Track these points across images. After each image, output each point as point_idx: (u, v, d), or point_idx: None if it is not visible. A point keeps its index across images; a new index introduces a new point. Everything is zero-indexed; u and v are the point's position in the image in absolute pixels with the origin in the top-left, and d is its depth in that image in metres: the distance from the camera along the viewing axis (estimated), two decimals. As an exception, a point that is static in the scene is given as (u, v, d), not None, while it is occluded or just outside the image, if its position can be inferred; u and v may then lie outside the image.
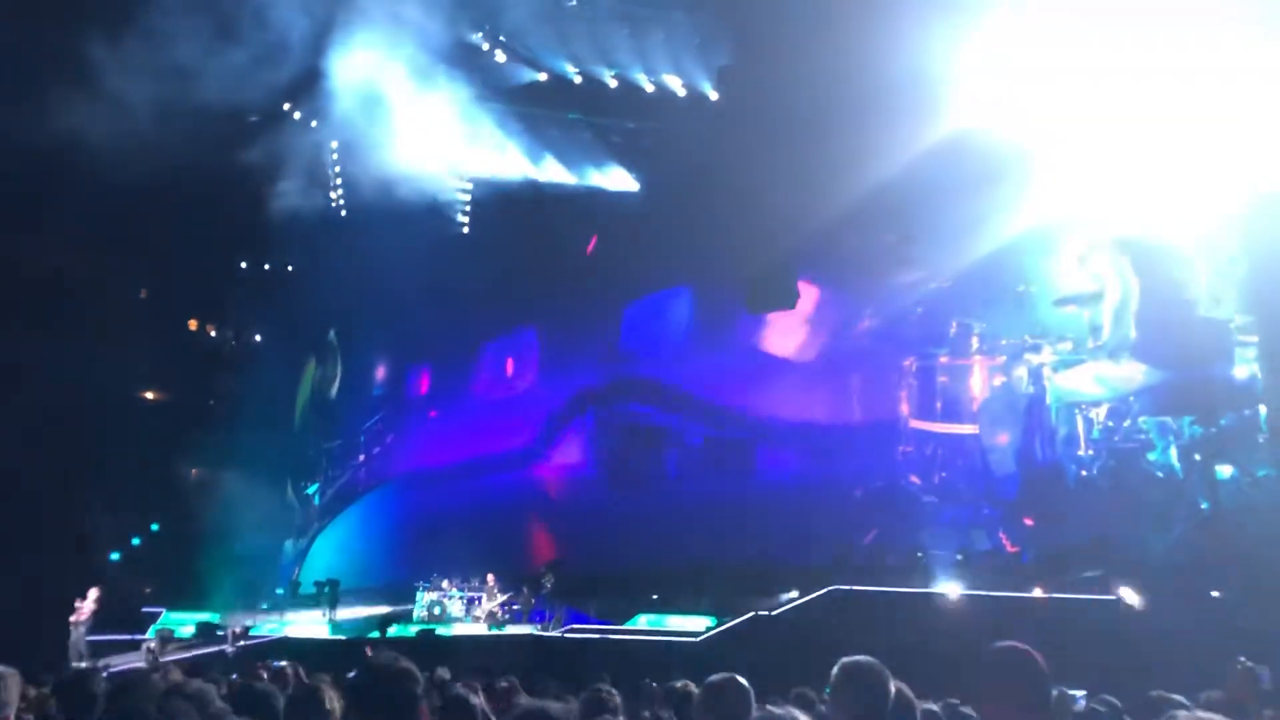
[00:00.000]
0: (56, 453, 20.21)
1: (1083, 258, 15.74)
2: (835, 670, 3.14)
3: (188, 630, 18.54)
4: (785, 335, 21.37)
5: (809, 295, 20.68)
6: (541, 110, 21.38)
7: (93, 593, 16.78)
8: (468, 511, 22.72)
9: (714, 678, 3.69)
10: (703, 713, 3.64)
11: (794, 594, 15.78)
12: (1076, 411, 16.50)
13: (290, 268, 24.39)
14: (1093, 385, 15.92)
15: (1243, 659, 6.35)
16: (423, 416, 26.60)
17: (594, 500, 21.70)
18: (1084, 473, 16.31)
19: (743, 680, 3.64)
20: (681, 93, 20.39)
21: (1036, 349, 17.34)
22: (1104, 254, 15.50)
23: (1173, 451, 15.39)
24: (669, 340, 23.22)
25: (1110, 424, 16.16)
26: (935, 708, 4.69)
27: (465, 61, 19.66)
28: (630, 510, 20.71)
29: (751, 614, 15.50)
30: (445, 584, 19.93)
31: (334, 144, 22.48)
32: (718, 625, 15.90)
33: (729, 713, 3.50)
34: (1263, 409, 14.55)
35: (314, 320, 26.21)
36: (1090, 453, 16.34)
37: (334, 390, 26.28)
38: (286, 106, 21.00)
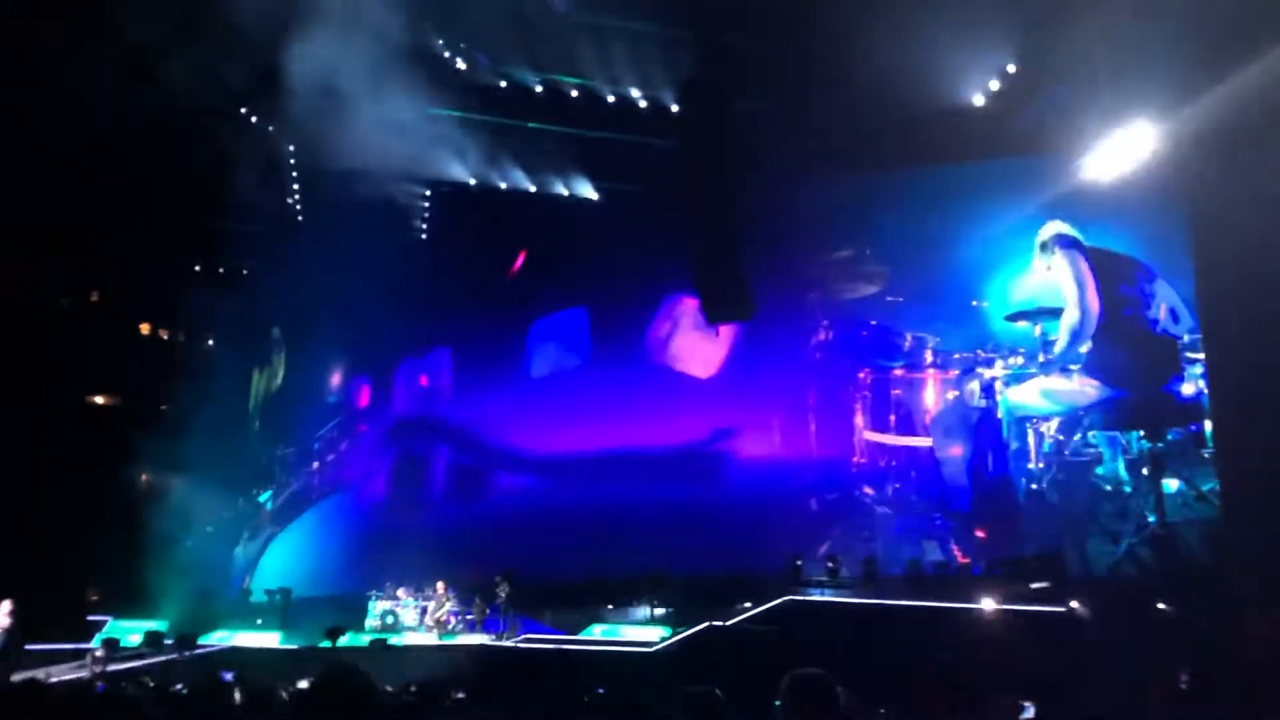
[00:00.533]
0: (3, 458, 19.87)
1: (1045, 244, 15.86)
2: (784, 682, 3.17)
3: (135, 639, 18.23)
4: (695, 353, 21.88)
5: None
6: (501, 118, 21.29)
7: (5, 605, 16.21)
8: (419, 520, 22.61)
9: (686, 689, 3.72)
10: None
11: (748, 605, 15.83)
12: (1028, 425, 16.73)
13: (245, 271, 24.13)
14: (1044, 400, 16.14)
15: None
16: (363, 428, 26.40)
17: (548, 510, 21.63)
18: (1034, 485, 16.53)
19: (716, 691, 3.67)
20: (643, 104, 20.43)
21: (989, 363, 17.57)
22: (1062, 256, 15.64)
23: (1121, 465, 15.64)
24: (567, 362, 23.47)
25: (1061, 438, 16.41)
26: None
27: (425, 67, 19.55)
28: (582, 519, 20.68)
29: (706, 624, 15.53)
30: (400, 592, 19.80)
31: (291, 147, 22.27)
32: (672, 635, 15.92)
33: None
34: (1208, 425, 14.84)
35: (268, 325, 26.00)
36: (1040, 466, 16.58)
37: (277, 384, 25.98)
38: (243, 110, 20.79)
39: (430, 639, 18.60)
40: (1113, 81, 15.09)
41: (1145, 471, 15.04)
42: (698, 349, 22.31)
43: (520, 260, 24.64)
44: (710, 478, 19.82)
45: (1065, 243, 15.65)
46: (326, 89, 19.85)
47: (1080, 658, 11.99)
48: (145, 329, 26.32)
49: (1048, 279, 15.99)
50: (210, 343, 26.24)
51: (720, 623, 15.49)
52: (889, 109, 17.46)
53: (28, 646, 17.29)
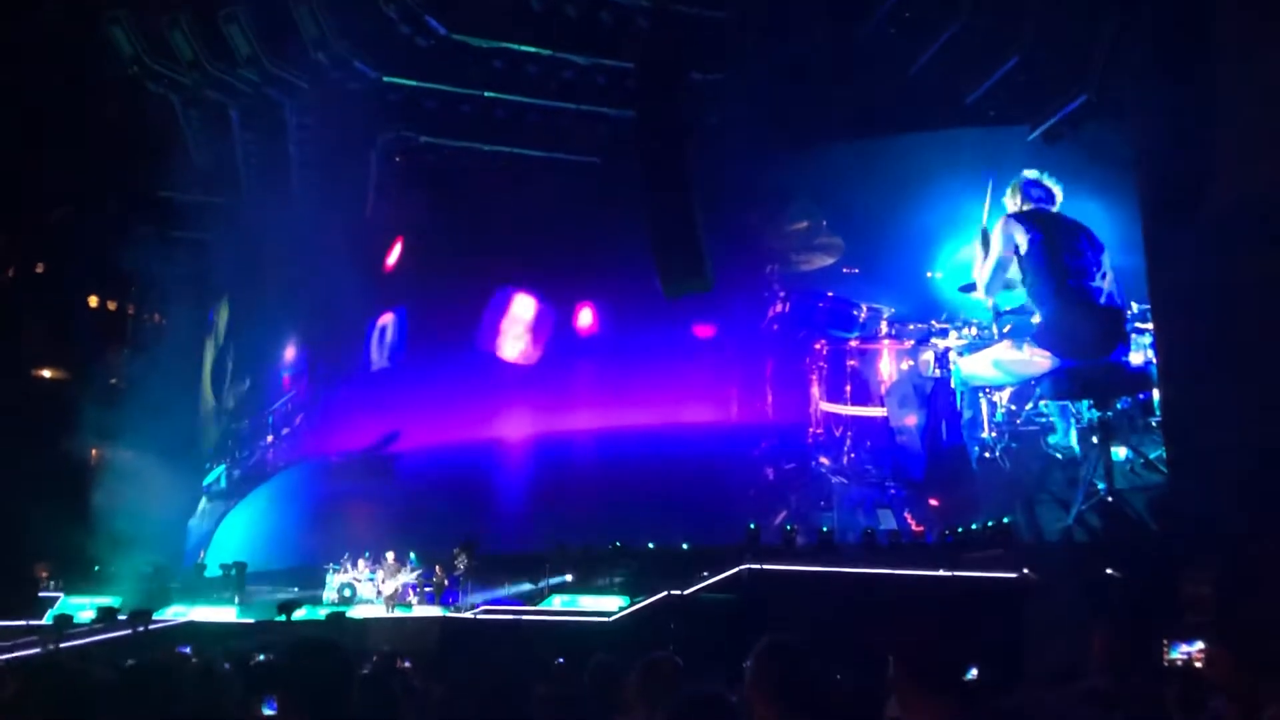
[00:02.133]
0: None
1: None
2: (756, 647, 3.21)
3: (87, 615, 18.03)
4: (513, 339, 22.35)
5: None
6: (455, 87, 21.04)
7: None
8: (375, 492, 22.50)
9: (650, 655, 3.77)
10: (636, 689, 3.71)
11: (705, 574, 15.97)
12: (981, 395, 16.97)
13: (195, 241, 23.75)
14: (996, 370, 16.37)
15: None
16: (324, 397, 26.11)
17: (508, 481, 21.63)
18: (987, 454, 16.80)
19: (677, 659, 3.73)
20: (599, 75, 20.33)
21: (943, 334, 17.78)
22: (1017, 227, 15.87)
23: (1072, 434, 15.93)
24: None
25: (1013, 407, 16.67)
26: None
27: (378, 32, 19.32)
28: (543, 491, 20.72)
29: (664, 593, 15.65)
30: (360, 564, 19.74)
31: (236, 114, 21.90)
32: (630, 605, 16.02)
33: (661, 689, 3.57)
34: (1156, 393, 15.15)
35: (218, 296, 25.67)
36: (993, 435, 16.84)
37: (225, 356, 25.67)
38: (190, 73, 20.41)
39: (385, 611, 18.57)
40: (1061, 52, 15.25)
41: (1095, 440, 15.33)
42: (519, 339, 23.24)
43: (396, 251, 24.58)
44: (667, 449, 19.87)
45: (1029, 195, 15.96)
46: (275, 55, 19.62)
47: (1030, 622, 12.24)
48: (93, 301, 25.88)
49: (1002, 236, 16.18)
50: (159, 315, 25.86)
51: (678, 592, 15.61)
52: (844, 80, 17.53)
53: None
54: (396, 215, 23.27)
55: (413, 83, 20.72)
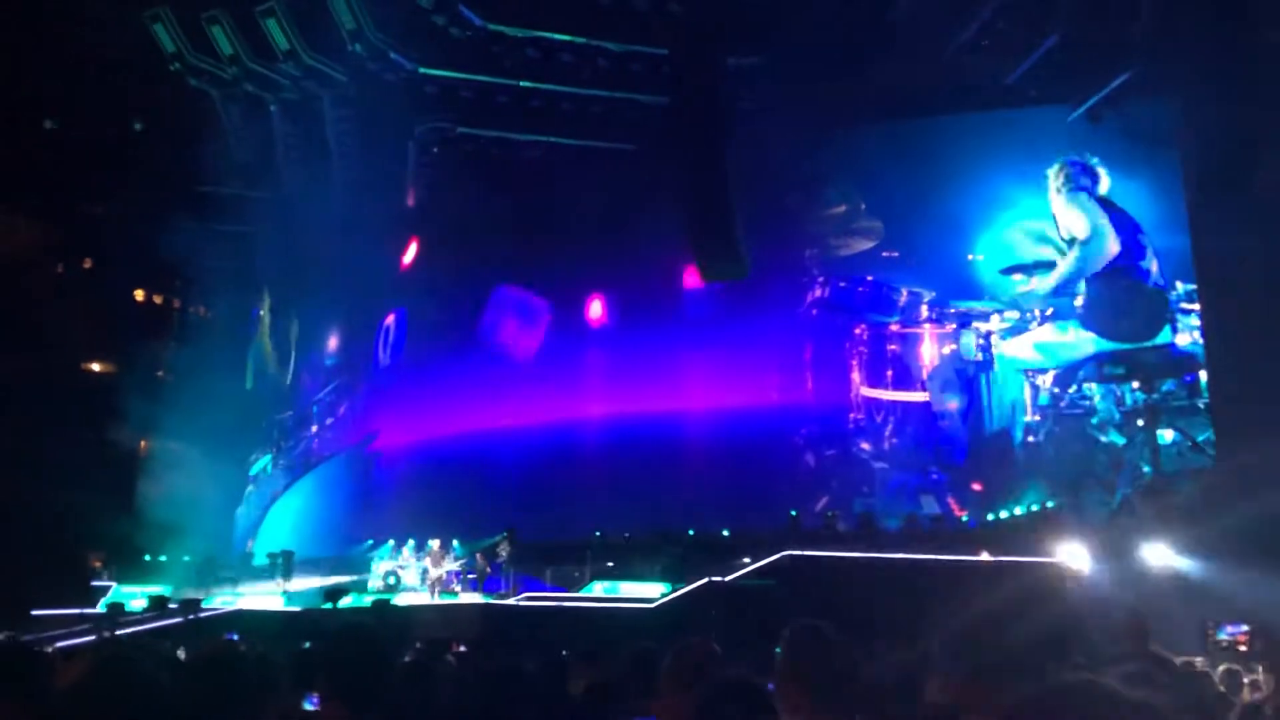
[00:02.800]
0: (2, 428, 19.93)
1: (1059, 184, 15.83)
2: (785, 632, 3.21)
3: (139, 603, 18.37)
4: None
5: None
6: (491, 77, 21.09)
7: None
8: (421, 480, 22.68)
9: (682, 639, 3.79)
10: (667, 673, 3.73)
11: (747, 560, 15.94)
12: (1023, 378, 16.79)
13: (239, 235, 24.03)
14: (1039, 353, 16.20)
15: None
16: (371, 386, 26.36)
17: (549, 470, 21.72)
18: (1031, 438, 16.62)
19: (714, 645, 3.75)
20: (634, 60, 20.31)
21: (985, 317, 17.59)
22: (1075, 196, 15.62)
23: (1116, 417, 15.72)
24: None
25: (1056, 390, 16.47)
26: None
27: (414, 24, 19.41)
28: (582, 480, 20.78)
29: (705, 580, 15.64)
30: (405, 552, 19.94)
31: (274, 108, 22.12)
32: (672, 592, 16.04)
33: (692, 672, 3.58)
34: (1203, 375, 14.91)
35: (262, 289, 25.95)
36: (1036, 418, 16.66)
37: (269, 347, 25.98)
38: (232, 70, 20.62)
39: (431, 598, 18.74)
40: (1102, 29, 15.01)
41: (1140, 423, 15.13)
42: (519, 335, 23.42)
43: (411, 249, 24.80)
44: (707, 436, 19.85)
45: (1078, 181, 15.66)
46: (313, 48, 19.78)
47: (1075, 609, 12.10)
48: (139, 295, 26.29)
49: (1064, 220, 15.92)
50: (203, 307, 26.23)
51: (719, 578, 15.60)
52: (881, 62, 17.36)
53: (34, 612, 17.49)
54: (435, 206, 23.39)
55: (449, 73, 20.81)
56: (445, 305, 24.09)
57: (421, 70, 20.46)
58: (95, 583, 20.11)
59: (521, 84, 20.94)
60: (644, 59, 20.29)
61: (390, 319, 25.13)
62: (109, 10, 19.87)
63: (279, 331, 26.40)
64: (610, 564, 18.25)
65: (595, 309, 23.33)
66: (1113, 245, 15.27)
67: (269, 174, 22.77)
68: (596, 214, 21.35)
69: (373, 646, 3.02)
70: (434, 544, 19.51)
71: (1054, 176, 16.07)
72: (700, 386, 20.87)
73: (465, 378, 22.92)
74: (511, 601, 17.39)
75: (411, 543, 20.14)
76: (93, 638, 15.33)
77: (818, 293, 20.53)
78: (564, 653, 6.28)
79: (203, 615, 17.22)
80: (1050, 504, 15.32)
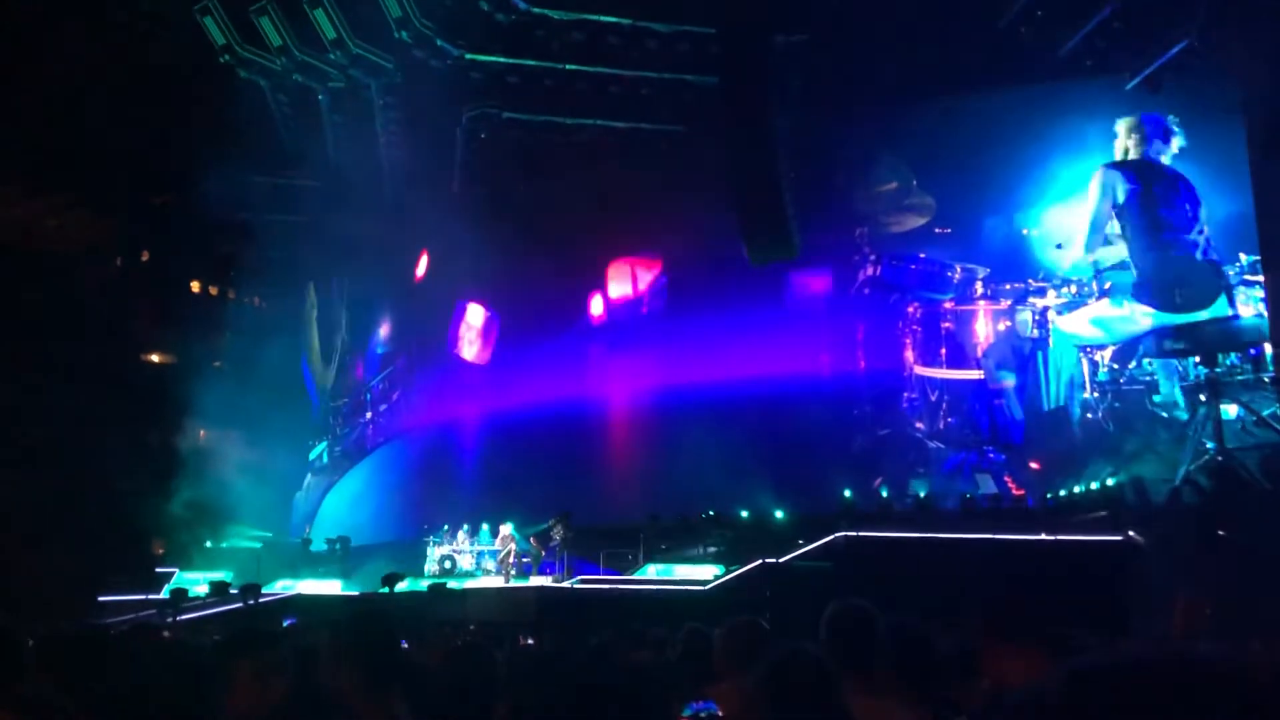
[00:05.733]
0: (67, 419, 20.37)
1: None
2: (826, 612, 3.18)
3: (201, 589, 18.71)
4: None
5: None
6: (538, 61, 21.08)
7: None
8: (477, 466, 22.85)
9: (732, 619, 3.79)
10: (720, 653, 3.73)
11: (801, 542, 15.87)
12: (1081, 354, 16.48)
13: (291, 225, 24.33)
14: (1096, 328, 15.86)
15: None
16: (423, 374, 26.60)
17: (602, 453, 21.79)
18: (1089, 415, 16.31)
19: (763, 623, 3.73)
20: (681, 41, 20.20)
21: (1040, 293, 17.28)
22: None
23: (1178, 392, 15.37)
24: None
25: (1115, 366, 16.14)
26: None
27: (461, 11, 19.46)
28: (635, 462, 20.80)
29: (759, 561, 15.60)
30: (460, 537, 20.11)
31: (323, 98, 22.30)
32: (726, 574, 16.02)
33: (746, 649, 3.56)
34: (1268, 348, 14.52)
35: (314, 278, 26.23)
36: (1095, 395, 16.33)
37: (317, 336, 26.29)
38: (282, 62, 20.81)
39: (487, 582, 18.89)
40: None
41: (1203, 398, 14.77)
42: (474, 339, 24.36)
43: (423, 262, 25.02)
44: (759, 418, 19.76)
45: (1150, 140, 15.26)
46: (360, 37, 19.89)
47: (1138, 587, 11.90)
48: (195, 286, 26.71)
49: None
50: (258, 298, 26.58)
51: (773, 560, 15.55)
52: (931, 36, 17.09)
53: (101, 597, 17.91)
54: (483, 191, 23.47)
55: (495, 59, 20.84)
56: (500, 291, 24.25)
57: (467, 56, 20.51)
58: (159, 569, 20.52)
59: (567, 67, 20.91)
60: (691, 39, 20.17)
61: (464, 307, 25.40)
62: (161, 4, 20.14)
63: (329, 320, 26.68)
64: (664, 547, 18.26)
65: (645, 292, 23.31)
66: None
67: (319, 163, 22.98)
68: (645, 196, 21.28)
69: (381, 628, 3.06)
70: (504, 528, 19.66)
71: (1124, 133, 15.57)
72: (752, 367, 20.76)
73: (524, 360, 23.06)
74: (566, 585, 17.47)
75: (466, 527, 20.30)
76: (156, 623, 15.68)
77: (869, 271, 20.30)
78: (617, 634, 6.27)
79: (263, 600, 17.49)
80: (1110, 482, 15.04)
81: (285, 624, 8.99)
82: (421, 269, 25.35)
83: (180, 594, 17.98)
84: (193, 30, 20.16)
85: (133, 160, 22.08)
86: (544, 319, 23.31)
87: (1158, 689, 1.09)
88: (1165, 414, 15.47)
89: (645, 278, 23.39)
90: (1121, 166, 15.37)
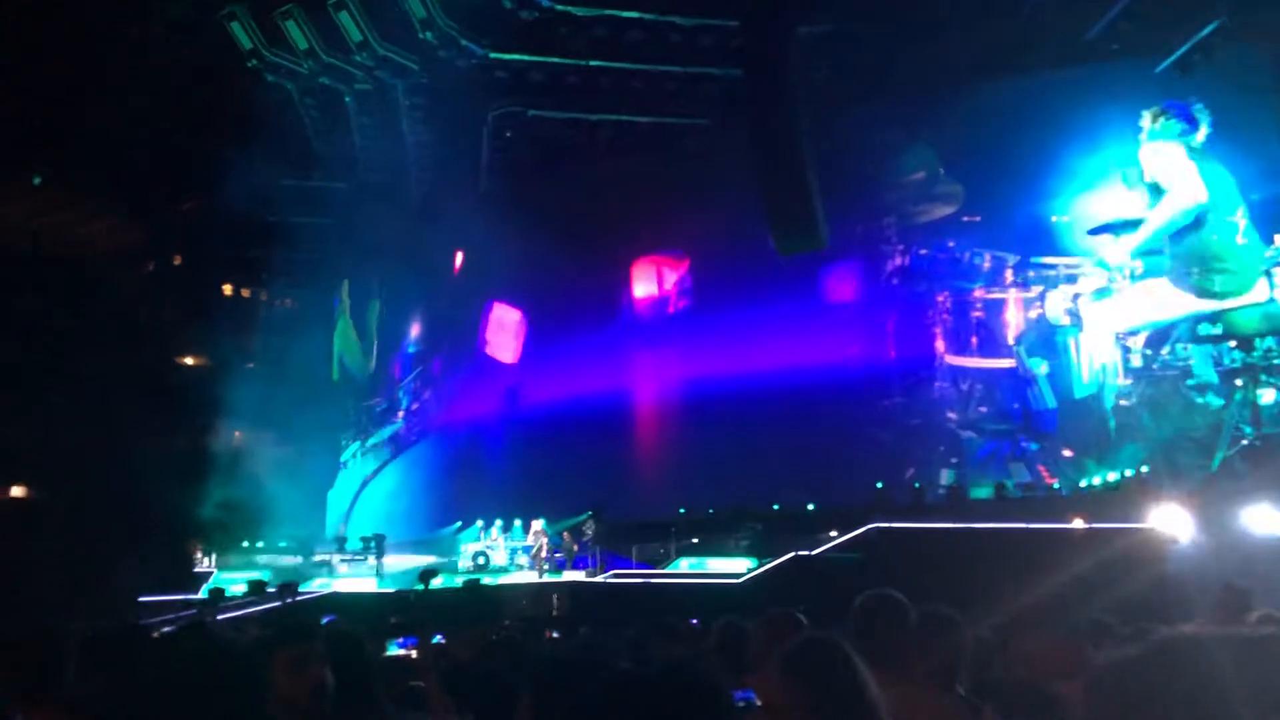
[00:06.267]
0: (104, 423, 20.64)
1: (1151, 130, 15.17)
2: (856, 603, 3.19)
3: (239, 589, 18.89)
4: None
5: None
6: (561, 58, 21.11)
7: None
8: (509, 463, 22.93)
9: (769, 611, 3.81)
10: (758, 647, 3.74)
11: (833, 534, 15.83)
12: (1114, 341, 16.33)
13: (320, 224, 24.50)
14: (1130, 314, 15.73)
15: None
16: (453, 374, 26.74)
17: (632, 448, 21.82)
18: (1123, 402, 16.18)
19: (799, 615, 3.75)
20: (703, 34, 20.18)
21: (1072, 279, 17.15)
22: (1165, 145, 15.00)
23: (1214, 377, 15.21)
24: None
25: (1149, 352, 15.97)
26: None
27: (485, 5, 19.53)
28: (667, 456, 20.82)
29: (792, 554, 15.58)
30: (493, 533, 20.22)
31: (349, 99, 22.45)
32: (758, 567, 16.01)
33: (783, 637, 3.58)
34: (1306, 331, 14.36)
35: (344, 276, 26.42)
36: (1128, 382, 16.18)
37: (352, 336, 26.49)
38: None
39: (521, 578, 18.97)
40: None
41: (1239, 383, 14.62)
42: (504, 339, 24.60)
43: (459, 261, 25.17)
44: (790, 410, 19.72)
45: (1175, 127, 15.07)
46: (385, 38, 20.01)
47: (1174, 574, 11.80)
48: (227, 289, 26.98)
49: (1151, 168, 15.30)
50: (289, 299, 26.79)
51: (806, 552, 15.53)
52: (955, 23, 16.98)
53: (141, 598, 18.14)
54: (509, 190, 23.55)
55: (519, 57, 20.89)
56: (528, 289, 24.34)
57: (492, 55, 20.58)
58: (197, 569, 20.75)
59: (591, 64, 20.93)
60: (714, 31, 20.13)
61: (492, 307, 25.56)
62: (188, 11, 20.34)
63: (360, 320, 26.87)
64: (695, 540, 18.27)
65: (673, 289, 23.32)
66: (1199, 193, 14.63)
67: (347, 165, 23.13)
68: (671, 190, 21.28)
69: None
70: (536, 524, 19.75)
71: (1149, 121, 15.39)
72: (781, 360, 20.73)
73: (552, 357, 23.14)
74: (599, 579, 17.52)
75: (499, 523, 20.40)
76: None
77: (898, 261, 20.23)
78: (650, 627, 6.30)
79: (300, 598, 17.64)
80: (1145, 469, 14.91)
81: (324, 621, 9.08)
82: (458, 264, 25.49)
83: (218, 593, 18.16)
84: (220, 35, 20.35)
85: (162, 166, 22.31)
86: (571, 316, 23.35)
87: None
88: (1201, 399, 15.31)
89: (671, 276, 23.38)
90: (1165, 148, 15.09)
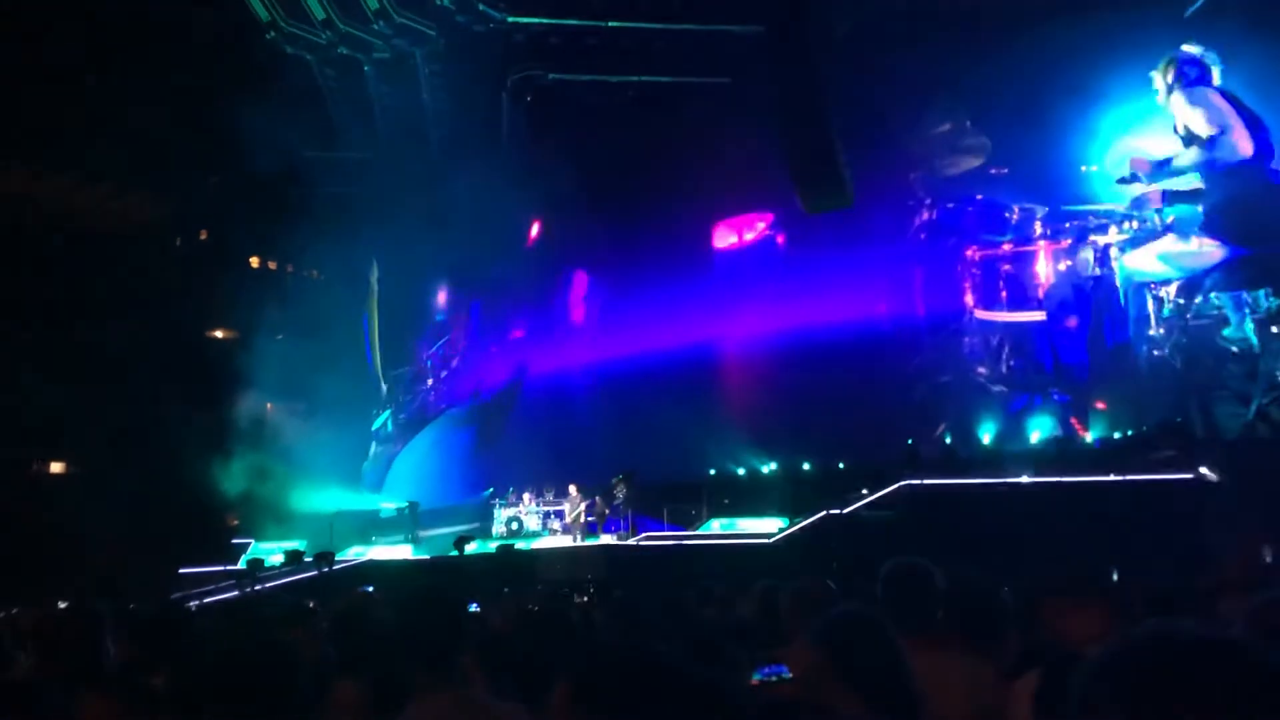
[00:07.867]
0: (137, 397, 20.88)
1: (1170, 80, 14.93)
2: (883, 570, 3.18)
3: (276, 559, 19.14)
4: None
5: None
6: (580, 20, 20.91)
7: None
8: (541, 427, 23.00)
9: (797, 582, 3.83)
10: (788, 617, 3.75)
11: (865, 491, 15.81)
12: (1146, 291, 16.14)
13: (344, 194, 24.51)
14: (1162, 264, 15.53)
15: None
16: (484, 342, 26.81)
17: (662, 411, 21.83)
18: (1156, 353, 16.01)
19: (829, 583, 3.77)
20: None
21: (1103, 230, 16.93)
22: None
23: (1249, 325, 15.01)
24: None
25: (1181, 301, 15.78)
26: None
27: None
28: (697, 417, 20.80)
29: (823, 513, 15.58)
30: (526, 498, 20.34)
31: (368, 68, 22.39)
32: (790, 526, 16.03)
33: (813, 610, 3.58)
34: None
35: (369, 246, 26.46)
36: (1162, 332, 16.00)
37: (374, 303, 26.60)
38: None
39: (554, 542, 19.10)
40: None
41: (1275, 329, 14.43)
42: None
43: (535, 230, 25.06)
44: (819, 369, 19.64)
45: (1189, 76, 14.81)
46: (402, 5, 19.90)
47: (1211, 526, 11.69)
48: (254, 262, 27.12)
49: (1184, 118, 15.03)
50: (315, 270, 26.89)
51: (837, 510, 15.52)
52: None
53: (181, 570, 18.44)
54: (531, 155, 23.43)
55: (537, 20, 20.73)
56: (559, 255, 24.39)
57: (510, 19, 20.43)
58: (235, 540, 21.04)
59: (610, 24, 20.73)
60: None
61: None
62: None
63: (389, 289, 26.92)
64: (726, 501, 18.31)
65: (702, 246, 23.21)
66: (1244, 143, 14.38)
67: (368, 135, 23.11)
68: (695, 150, 21.08)
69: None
70: (571, 488, 19.84)
71: (1161, 75, 15.16)
72: (809, 319, 20.62)
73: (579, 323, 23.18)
74: (631, 542, 17.60)
75: (532, 489, 20.52)
76: (235, 593, 16.12)
77: (925, 216, 20.03)
78: (682, 592, 6.32)
79: (337, 567, 17.85)
80: (1179, 419, 14.77)
81: (362, 591, 9.19)
82: (534, 231, 25.58)
83: (257, 564, 18.40)
84: (239, 10, 20.33)
85: (186, 141, 22.37)
86: (599, 285, 23.39)
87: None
88: (1235, 348, 15.12)
89: (700, 235, 23.25)
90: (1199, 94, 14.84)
